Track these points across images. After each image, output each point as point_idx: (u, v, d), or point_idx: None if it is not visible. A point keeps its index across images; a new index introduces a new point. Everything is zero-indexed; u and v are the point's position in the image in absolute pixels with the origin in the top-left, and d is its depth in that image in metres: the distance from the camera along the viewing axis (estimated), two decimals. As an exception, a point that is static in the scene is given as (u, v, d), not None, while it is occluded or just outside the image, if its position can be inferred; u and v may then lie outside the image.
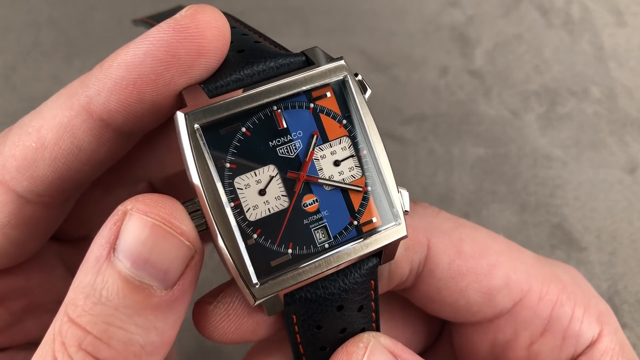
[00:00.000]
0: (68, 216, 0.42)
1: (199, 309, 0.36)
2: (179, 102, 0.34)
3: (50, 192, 0.37)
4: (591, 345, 0.42)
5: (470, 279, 0.41)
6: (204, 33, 0.33)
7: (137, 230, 0.31)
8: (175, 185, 0.51)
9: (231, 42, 0.35)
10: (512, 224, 0.66)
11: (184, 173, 0.34)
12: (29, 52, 0.73)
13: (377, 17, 0.77)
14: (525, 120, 0.72)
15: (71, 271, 0.46)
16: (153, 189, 0.51)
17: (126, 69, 0.33)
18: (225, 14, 0.36)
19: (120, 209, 0.31)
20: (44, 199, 0.37)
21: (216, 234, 0.33)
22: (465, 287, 0.41)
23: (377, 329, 0.39)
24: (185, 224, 0.32)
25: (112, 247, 0.31)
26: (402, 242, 0.38)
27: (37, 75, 0.72)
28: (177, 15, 0.32)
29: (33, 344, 0.44)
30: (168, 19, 0.32)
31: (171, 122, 0.35)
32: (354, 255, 0.35)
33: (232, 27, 0.35)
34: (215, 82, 0.34)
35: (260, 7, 0.77)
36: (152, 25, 0.33)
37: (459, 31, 0.77)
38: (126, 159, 0.42)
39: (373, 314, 0.38)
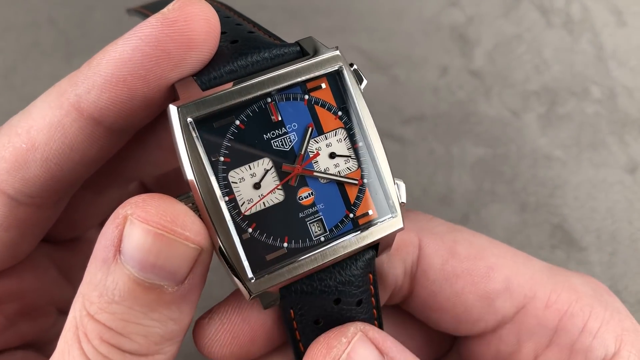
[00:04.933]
0: (59, 218, 0.42)
1: (197, 329, 0.36)
2: (172, 95, 0.34)
3: (43, 193, 0.36)
4: None
5: (465, 281, 0.40)
6: (192, 26, 0.32)
7: (140, 239, 0.30)
8: (168, 184, 0.50)
9: (225, 33, 0.34)
10: (512, 224, 0.66)
11: (176, 171, 0.34)
12: (29, 52, 0.73)
13: (377, 17, 0.77)
14: (525, 120, 0.71)
15: (63, 273, 0.46)
16: (145, 188, 0.50)
17: (115, 65, 0.32)
18: (219, 3, 0.36)
19: (120, 212, 0.31)
20: (36, 200, 0.37)
21: (211, 229, 0.33)
22: (460, 290, 0.40)
23: (380, 327, 0.38)
24: (188, 229, 0.31)
25: (117, 250, 0.31)
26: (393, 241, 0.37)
27: (36, 75, 0.72)
28: (165, 9, 0.32)
29: (28, 345, 0.44)
30: (156, 14, 0.32)
31: (161, 120, 0.35)
32: (350, 249, 0.35)
33: (225, 17, 0.35)
34: (208, 74, 0.34)
35: (259, 6, 0.76)
36: (146, 16, 0.33)
37: (459, 31, 0.76)
38: (117, 158, 0.42)
39: (374, 310, 0.38)
